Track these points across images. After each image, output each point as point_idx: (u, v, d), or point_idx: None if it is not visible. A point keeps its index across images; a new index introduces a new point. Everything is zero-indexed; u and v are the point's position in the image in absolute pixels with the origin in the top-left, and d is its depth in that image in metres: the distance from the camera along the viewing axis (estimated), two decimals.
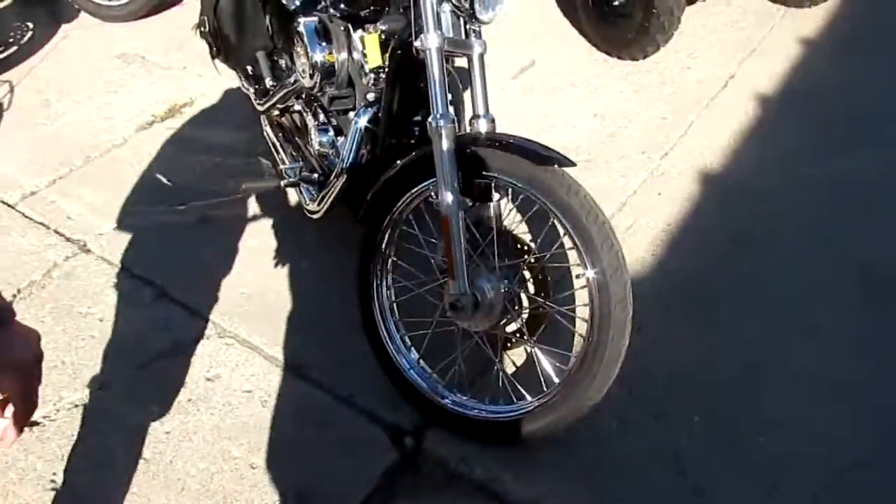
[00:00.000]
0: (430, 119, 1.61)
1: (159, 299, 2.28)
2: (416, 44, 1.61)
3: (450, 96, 1.64)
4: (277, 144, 2.45)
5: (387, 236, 1.82)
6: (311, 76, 1.97)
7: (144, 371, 2.04)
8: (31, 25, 4.13)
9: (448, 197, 1.60)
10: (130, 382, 2.01)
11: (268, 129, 2.53)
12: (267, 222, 2.57)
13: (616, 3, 3.28)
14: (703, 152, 2.74)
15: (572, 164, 1.60)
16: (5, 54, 3.85)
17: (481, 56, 1.75)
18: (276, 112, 2.48)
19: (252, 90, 2.58)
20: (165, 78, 3.51)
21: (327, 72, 1.94)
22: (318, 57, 1.93)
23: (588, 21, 3.49)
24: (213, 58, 2.59)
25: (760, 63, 3.22)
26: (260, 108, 2.51)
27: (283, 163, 2.35)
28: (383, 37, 1.80)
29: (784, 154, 2.69)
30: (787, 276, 2.20)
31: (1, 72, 3.67)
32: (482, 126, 1.74)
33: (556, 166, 1.60)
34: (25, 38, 4.02)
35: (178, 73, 3.52)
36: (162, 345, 2.11)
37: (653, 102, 3.06)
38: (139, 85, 3.49)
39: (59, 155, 2.99)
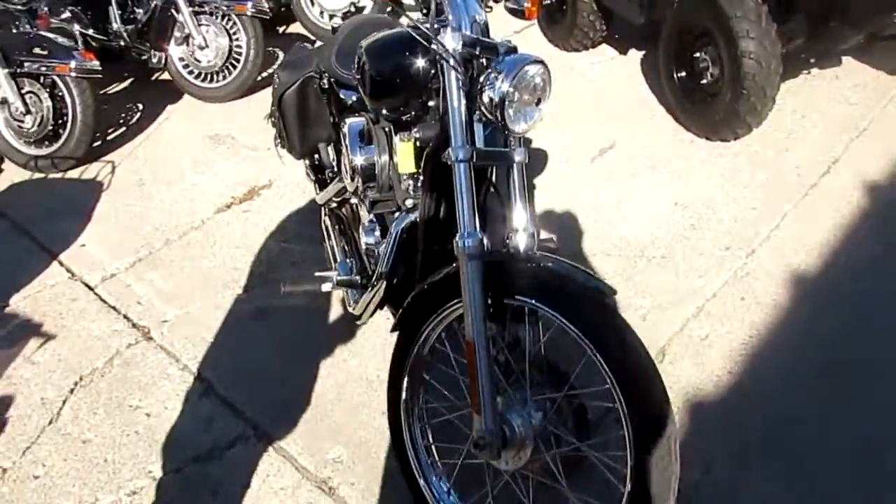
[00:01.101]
0: (456, 237, 1.49)
1: (206, 395, 2.26)
2: (444, 156, 1.51)
3: (476, 207, 1.51)
4: (332, 237, 2.41)
5: (417, 353, 1.70)
6: (352, 178, 1.91)
7: (178, 476, 2.00)
8: (140, 106, 4.43)
9: (473, 323, 1.47)
10: (163, 487, 1.97)
11: (326, 220, 2.51)
12: (322, 317, 2.52)
13: (703, 80, 3.07)
14: (798, 250, 2.45)
15: (613, 292, 1.43)
16: (114, 135, 4.13)
17: (522, 165, 1.63)
18: (334, 204, 2.45)
19: (313, 180, 2.58)
20: (250, 159, 3.62)
21: (368, 174, 1.88)
22: (359, 159, 1.88)
23: (674, 98, 3.30)
24: (277, 146, 2.62)
25: (871, 145, 2.89)
26: (318, 200, 2.50)
27: (335, 258, 2.31)
28: (418, 144, 1.72)
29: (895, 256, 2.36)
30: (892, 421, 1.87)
31: (108, 151, 3.92)
32: (521, 242, 1.60)
33: (594, 295, 1.43)
34: (134, 119, 4.31)
35: (263, 154, 3.61)
36: (201, 447, 2.07)
37: (742, 190, 2.81)
38: (225, 166, 3.61)
39: (142, 237, 3.11)
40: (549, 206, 2.93)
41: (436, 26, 1.54)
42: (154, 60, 4.30)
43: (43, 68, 3.58)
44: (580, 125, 3.46)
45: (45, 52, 3.58)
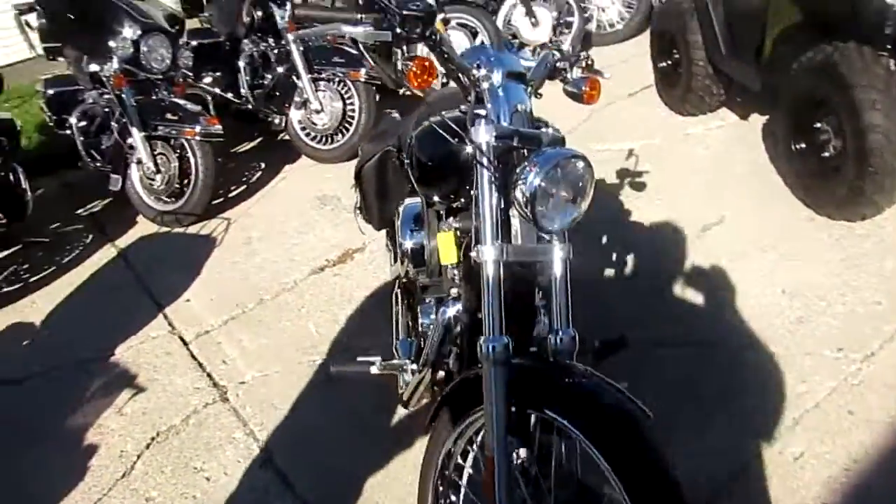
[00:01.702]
0: (480, 340, 1.39)
1: (264, 465, 2.27)
2: (472, 254, 1.42)
3: (505, 307, 1.40)
4: (399, 313, 2.37)
5: (447, 455, 1.60)
6: (402, 261, 1.87)
7: None
8: (262, 165, 4.71)
9: (493, 435, 1.35)
10: None
11: (396, 292, 2.48)
12: (392, 392, 2.47)
13: (825, 153, 2.77)
14: None
15: (647, 417, 1.26)
16: (235, 192, 4.40)
17: (565, 263, 1.50)
18: (405, 280, 2.42)
19: (390, 252, 2.57)
20: (349, 221, 3.69)
21: (417, 259, 1.83)
22: (409, 242, 1.83)
23: (793, 171, 3.01)
24: (357, 216, 2.64)
25: None
26: (390, 274, 2.47)
27: (397, 335, 2.26)
28: (458, 234, 1.65)
29: None
30: None
31: (227, 208, 4.18)
32: (558, 345, 1.47)
33: (625, 418, 1.27)
34: (254, 177, 4.58)
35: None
36: None
37: (865, 279, 2.47)
38: (326, 227, 3.72)
39: (239, 295, 3.25)
40: (629, 281, 2.74)
41: (475, 115, 1.48)
42: (276, 122, 4.57)
43: (173, 132, 3.90)
44: (687, 196, 3.24)
45: (175, 118, 3.90)
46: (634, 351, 1.92)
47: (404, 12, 1.36)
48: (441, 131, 1.56)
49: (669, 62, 4.07)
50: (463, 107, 1.59)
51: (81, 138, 4.13)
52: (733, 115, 3.90)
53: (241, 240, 3.79)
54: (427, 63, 1.41)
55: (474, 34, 5.01)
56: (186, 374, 2.78)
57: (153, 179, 4.00)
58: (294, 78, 4.38)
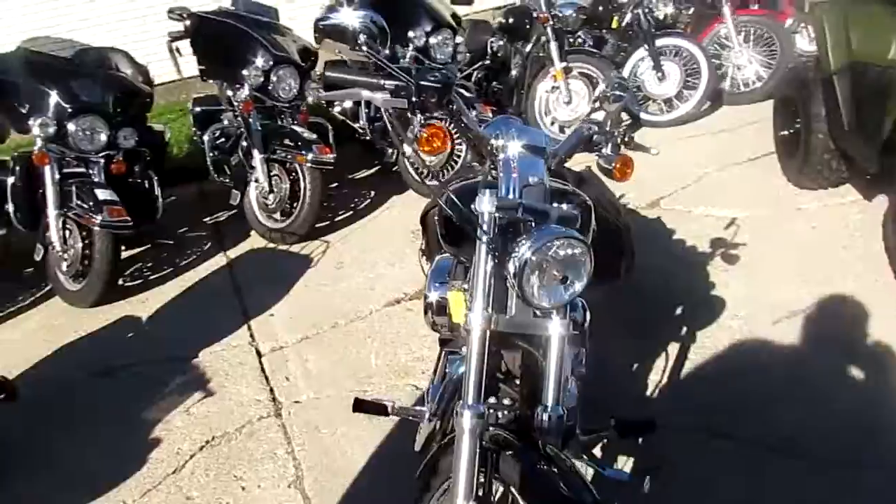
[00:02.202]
0: (458, 405, 1.41)
1: (292, 486, 2.37)
2: (461, 321, 1.44)
3: (485, 376, 1.41)
4: (439, 359, 2.41)
5: None
6: (426, 312, 1.91)
7: None
8: (372, 193, 4.93)
9: (454, 498, 1.35)
10: None
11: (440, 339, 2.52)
12: None
13: None
14: None
15: None
16: (340, 217, 4.64)
17: (561, 340, 1.48)
18: None
19: None
20: None
21: (439, 312, 1.86)
22: (433, 295, 1.87)
23: None
24: (420, 257, 2.71)
25: None
26: None
27: (433, 380, 2.29)
28: (466, 295, 1.67)
29: None
30: None
31: (330, 231, 4.42)
32: (545, 421, 1.45)
33: None
34: (362, 205, 4.80)
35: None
36: None
37: None
38: (412, 261, 3.82)
39: (317, 316, 3.42)
40: (699, 362, 2.59)
41: (487, 184, 1.50)
42: (388, 153, 4.78)
43: (288, 157, 4.20)
44: (777, 276, 3.03)
45: (292, 144, 4.19)
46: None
47: (421, 83, 1.42)
48: (453, 196, 1.60)
49: (790, 131, 3.84)
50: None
51: (212, 154, 4.54)
52: (856, 195, 3.60)
53: (334, 263, 3.99)
54: (439, 131, 1.46)
55: (595, 83, 4.99)
56: (252, 386, 2.97)
57: (266, 198, 4.31)
58: (409, 115, 4.58)
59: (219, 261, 4.30)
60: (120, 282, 4.17)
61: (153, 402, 2.93)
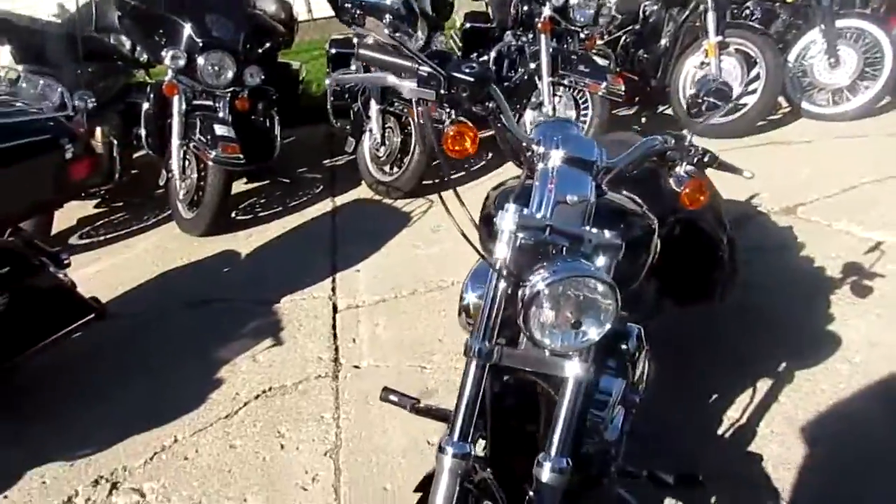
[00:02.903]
0: (441, 439, 1.27)
1: (328, 454, 2.35)
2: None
3: (477, 411, 1.26)
4: None
5: None
6: (460, 314, 1.76)
7: None
8: (489, 156, 4.76)
9: None
10: None
11: None
12: None
13: None
14: None
15: None
16: (454, 176, 4.50)
17: (576, 384, 1.29)
18: None
19: None
20: None
21: (466, 315, 1.71)
22: (469, 297, 1.71)
23: None
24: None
25: None
26: None
27: None
28: None
29: None
30: None
31: (436, 191, 4.31)
32: (542, 474, 1.28)
33: None
34: (476, 167, 4.65)
35: None
36: (290, 499, 2.17)
37: None
38: None
39: (400, 279, 3.36)
40: (789, 409, 2.26)
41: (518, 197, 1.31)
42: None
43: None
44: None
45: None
46: None
47: (453, 74, 1.24)
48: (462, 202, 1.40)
49: None
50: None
51: (332, 99, 4.54)
52: None
53: (432, 225, 3.90)
54: (469, 131, 1.28)
55: (752, 64, 4.45)
56: (319, 342, 2.97)
57: (378, 150, 4.27)
58: (536, 78, 4.32)
59: (325, 206, 4.35)
60: (233, 214, 4.35)
61: (227, 341, 3.02)
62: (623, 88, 4.15)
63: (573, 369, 1.29)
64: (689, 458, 2.10)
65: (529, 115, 4.41)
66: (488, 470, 1.31)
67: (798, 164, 3.96)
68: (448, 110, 1.28)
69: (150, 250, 4.04)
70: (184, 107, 3.99)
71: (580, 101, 4.25)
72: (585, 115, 4.21)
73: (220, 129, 3.91)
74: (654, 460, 2.00)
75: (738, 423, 2.25)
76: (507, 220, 1.25)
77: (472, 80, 1.24)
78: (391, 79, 1.32)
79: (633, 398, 1.85)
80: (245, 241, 3.99)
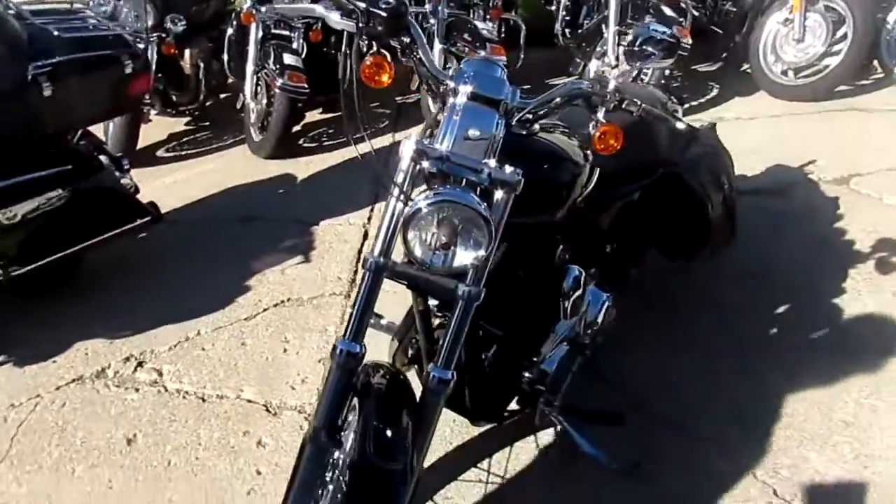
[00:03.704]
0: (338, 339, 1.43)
1: (322, 362, 2.57)
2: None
3: (365, 317, 1.43)
4: None
5: None
6: None
7: (241, 402, 2.40)
8: None
9: (317, 420, 1.40)
10: (226, 408, 2.40)
11: None
12: None
13: None
14: None
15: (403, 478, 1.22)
16: None
17: (464, 302, 1.40)
18: None
19: None
20: None
21: None
22: None
23: None
24: None
25: None
26: None
27: None
28: None
29: None
30: None
31: None
32: (429, 381, 1.42)
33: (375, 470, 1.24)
34: None
35: None
36: (281, 395, 2.42)
37: None
38: None
39: None
40: (774, 405, 2.24)
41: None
42: (576, 61, 4.53)
43: None
44: None
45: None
46: None
47: (370, 8, 1.34)
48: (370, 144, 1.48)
49: None
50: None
51: None
52: None
53: None
54: (381, 61, 1.38)
55: (841, 23, 4.14)
56: (342, 263, 3.19)
57: None
58: (604, 27, 4.24)
59: (386, 140, 4.52)
60: (300, 140, 4.62)
61: (263, 255, 3.30)
62: (689, 42, 3.98)
63: (460, 289, 1.40)
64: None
65: (594, 65, 4.34)
66: (382, 373, 1.46)
67: (869, 134, 3.71)
68: (367, 42, 1.39)
69: (221, 168, 4.39)
70: (260, 34, 4.24)
71: None
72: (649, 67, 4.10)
73: (289, 59, 4.14)
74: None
75: (705, 373, 2.27)
76: (406, 147, 1.35)
77: (385, 14, 1.34)
78: (319, 9, 1.43)
79: (581, 339, 1.94)
80: (304, 167, 4.25)
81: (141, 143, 4.72)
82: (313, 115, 5.08)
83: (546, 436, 2.10)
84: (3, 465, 2.21)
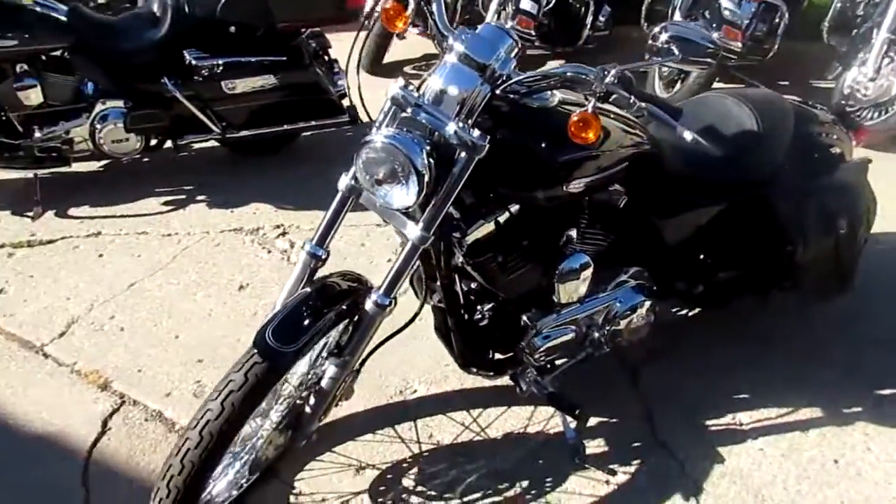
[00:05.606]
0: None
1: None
2: None
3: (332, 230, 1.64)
4: None
5: None
6: None
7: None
8: None
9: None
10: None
11: None
12: None
13: None
14: None
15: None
16: None
17: (410, 243, 1.55)
18: None
19: None
20: None
21: None
22: None
23: None
24: None
25: None
26: None
27: None
28: None
29: None
30: None
31: None
32: (367, 303, 1.60)
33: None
34: None
35: None
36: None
37: None
38: None
39: None
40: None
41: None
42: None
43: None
44: None
45: None
46: None
47: None
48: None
49: None
50: None
51: None
52: None
53: None
54: (398, 8, 1.52)
55: None
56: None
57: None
58: (874, 32, 3.64)
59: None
60: None
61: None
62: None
63: (417, 231, 1.51)
64: None
65: (851, 74, 3.78)
66: (339, 280, 1.67)
67: None
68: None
69: None
70: None
71: None
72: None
73: (525, 4, 4.27)
74: None
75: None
76: (390, 89, 1.50)
77: None
78: None
79: (593, 332, 1.97)
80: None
81: (398, 58, 5.24)
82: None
83: (546, 410, 2.14)
84: (161, 272, 2.87)
